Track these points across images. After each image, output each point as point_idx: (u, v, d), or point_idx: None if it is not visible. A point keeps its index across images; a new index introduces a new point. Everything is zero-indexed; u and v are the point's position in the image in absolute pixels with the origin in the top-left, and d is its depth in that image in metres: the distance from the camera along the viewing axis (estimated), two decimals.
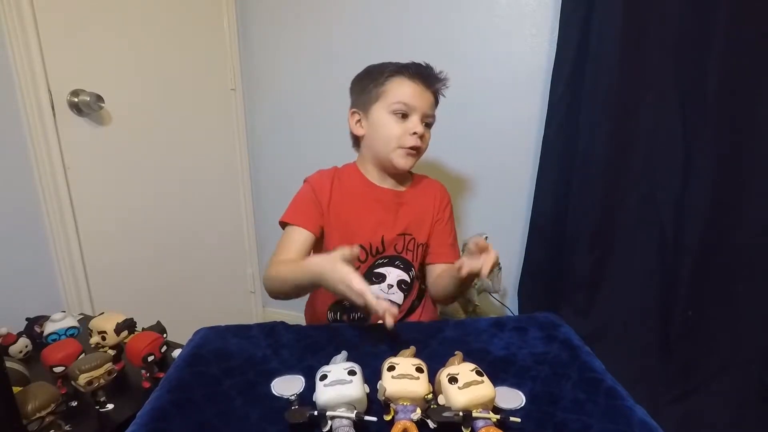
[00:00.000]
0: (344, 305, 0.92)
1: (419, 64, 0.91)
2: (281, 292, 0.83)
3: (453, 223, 1.01)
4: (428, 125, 0.92)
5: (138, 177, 1.31)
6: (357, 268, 0.89)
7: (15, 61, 1.01)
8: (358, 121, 0.93)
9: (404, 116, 0.88)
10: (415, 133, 0.87)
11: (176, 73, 1.40)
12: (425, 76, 0.90)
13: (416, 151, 0.90)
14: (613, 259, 1.29)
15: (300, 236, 0.88)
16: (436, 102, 0.94)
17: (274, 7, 1.56)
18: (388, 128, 0.88)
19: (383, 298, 0.89)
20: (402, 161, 0.89)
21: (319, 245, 0.93)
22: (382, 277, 0.91)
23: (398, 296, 0.91)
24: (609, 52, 1.14)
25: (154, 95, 1.35)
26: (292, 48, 1.58)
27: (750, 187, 1.13)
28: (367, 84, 0.91)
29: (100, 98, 1.13)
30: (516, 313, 1.47)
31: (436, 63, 1.45)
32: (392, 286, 0.90)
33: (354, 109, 0.93)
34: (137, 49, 1.28)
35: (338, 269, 0.68)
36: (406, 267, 0.92)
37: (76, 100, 1.11)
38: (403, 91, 0.87)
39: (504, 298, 1.50)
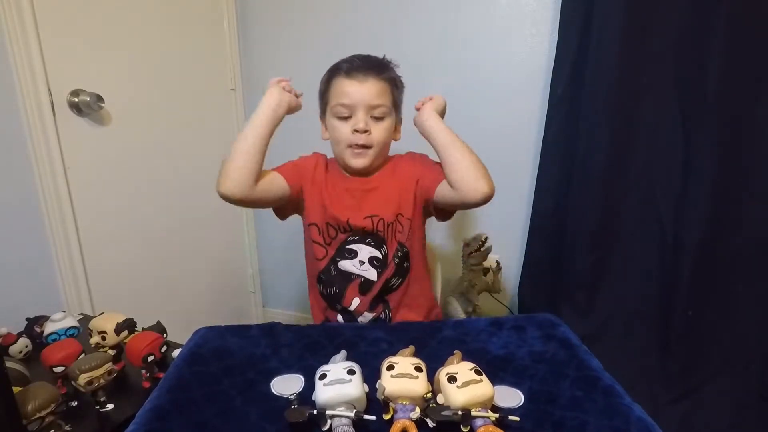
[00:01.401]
0: (338, 307, 0.93)
1: (352, 58, 0.89)
2: (239, 163, 0.86)
3: (431, 164, 0.92)
4: (379, 118, 0.88)
5: (138, 177, 1.31)
6: (329, 244, 0.92)
7: (15, 61, 1.01)
8: (326, 129, 0.95)
9: (348, 116, 0.87)
10: (356, 131, 0.85)
11: (176, 73, 1.40)
12: (359, 68, 0.87)
13: (365, 149, 0.88)
14: (613, 259, 1.29)
15: (277, 179, 0.89)
16: (394, 88, 0.90)
17: (274, 7, 1.56)
18: (336, 131, 0.88)
19: (356, 273, 0.90)
20: (353, 161, 0.89)
21: (297, 208, 0.95)
22: (353, 253, 0.91)
23: (371, 272, 0.91)
24: (609, 52, 1.15)
25: (154, 95, 1.35)
26: (292, 48, 1.58)
27: (750, 187, 1.13)
28: (319, 94, 0.94)
29: (100, 98, 1.13)
30: (516, 313, 1.47)
31: (436, 63, 1.45)
32: (363, 262, 0.91)
33: (321, 119, 0.96)
34: (137, 50, 1.28)
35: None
36: (378, 244, 0.92)
37: (76, 100, 1.11)
38: (339, 91, 0.87)
39: (504, 298, 1.50)
